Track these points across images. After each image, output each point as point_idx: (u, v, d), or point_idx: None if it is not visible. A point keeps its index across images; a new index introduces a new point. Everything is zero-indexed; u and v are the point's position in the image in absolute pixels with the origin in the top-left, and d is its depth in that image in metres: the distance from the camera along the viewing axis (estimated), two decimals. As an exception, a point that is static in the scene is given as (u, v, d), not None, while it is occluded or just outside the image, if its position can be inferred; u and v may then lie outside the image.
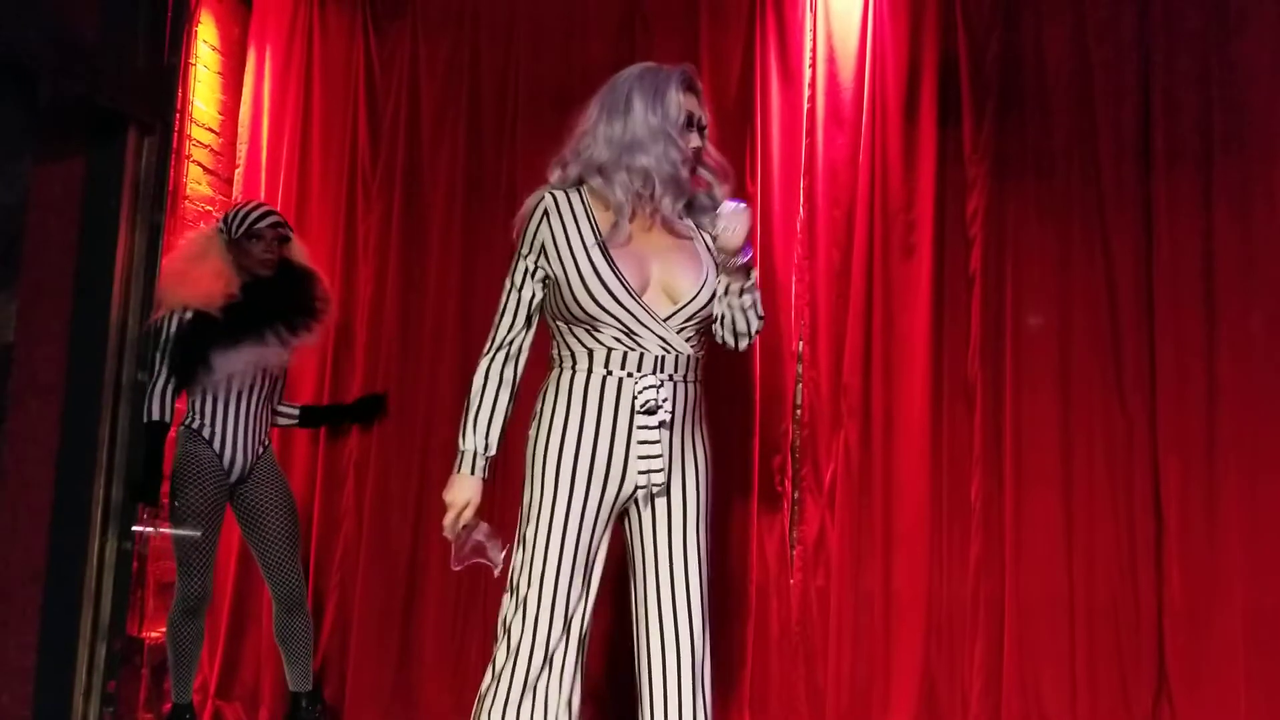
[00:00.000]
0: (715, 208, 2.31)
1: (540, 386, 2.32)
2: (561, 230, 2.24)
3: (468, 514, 2.24)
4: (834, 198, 3.82)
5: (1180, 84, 3.70)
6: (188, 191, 3.99)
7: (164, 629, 3.60)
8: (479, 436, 2.24)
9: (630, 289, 2.21)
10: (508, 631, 2.20)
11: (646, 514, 2.27)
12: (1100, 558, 3.58)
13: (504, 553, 2.29)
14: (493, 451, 2.26)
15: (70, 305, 3.69)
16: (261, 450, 3.52)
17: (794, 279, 3.81)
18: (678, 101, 2.26)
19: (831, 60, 3.87)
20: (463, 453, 2.25)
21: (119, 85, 3.66)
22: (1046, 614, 3.58)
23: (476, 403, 2.26)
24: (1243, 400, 3.54)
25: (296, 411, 3.75)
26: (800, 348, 3.79)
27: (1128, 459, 3.61)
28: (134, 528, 3.55)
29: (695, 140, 2.30)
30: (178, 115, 3.90)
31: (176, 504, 3.38)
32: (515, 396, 2.29)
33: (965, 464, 3.67)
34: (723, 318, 2.32)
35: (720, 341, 2.38)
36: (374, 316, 4.04)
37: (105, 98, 3.62)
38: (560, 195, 2.28)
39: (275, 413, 3.66)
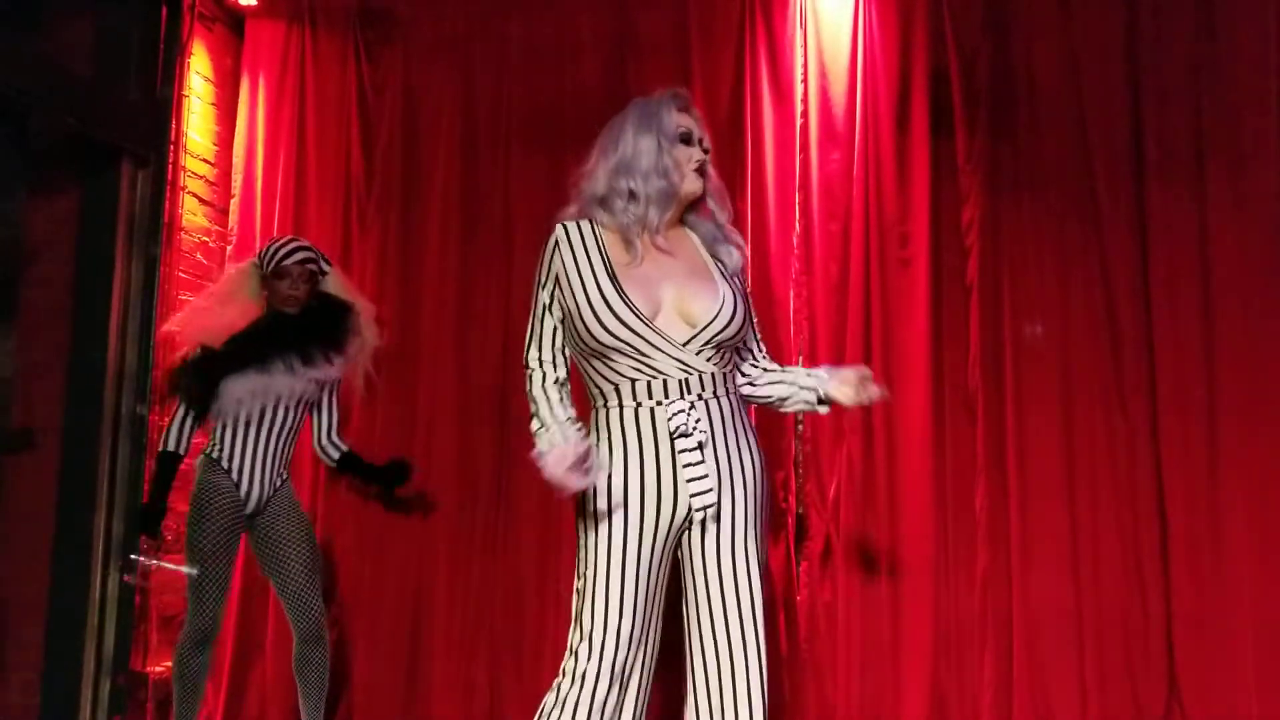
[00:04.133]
0: (719, 236, 2.36)
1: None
2: (572, 260, 2.25)
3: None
4: (829, 212, 3.83)
5: (1170, 92, 3.71)
6: (184, 223, 3.98)
7: (169, 663, 3.57)
8: (557, 420, 2.23)
9: (639, 314, 2.20)
10: (574, 655, 2.16)
11: (697, 537, 2.24)
12: (1107, 566, 3.57)
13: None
14: (574, 419, 2.24)
15: (69, 339, 3.70)
16: (279, 483, 3.46)
17: (792, 294, 3.81)
18: (672, 118, 2.30)
19: (823, 76, 3.89)
20: (547, 438, 2.21)
21: (112, 119, 3.67)
22: (1055, 624, 3.56)
23: (539, 410, 2.26)
24: (1244, 403, 3.54)
25: (337, 455, 3.65)
26: (800, 362, 3.78)
27: (1131, 466, 3.60)
28: (136, 558, 3.51)
29: (696, 154, 2.32)
30: (171, 147, 3.90)
31: (192, 534, 3.32)
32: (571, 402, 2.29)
33: (969, 475, 3.67)
34: (786, 397, 2.44)
35: (757, 388, 2.44)
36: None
37: (99, 131, 3.63)
38: (571, 225, 2.30)
39: (323, 447, 3.62)
